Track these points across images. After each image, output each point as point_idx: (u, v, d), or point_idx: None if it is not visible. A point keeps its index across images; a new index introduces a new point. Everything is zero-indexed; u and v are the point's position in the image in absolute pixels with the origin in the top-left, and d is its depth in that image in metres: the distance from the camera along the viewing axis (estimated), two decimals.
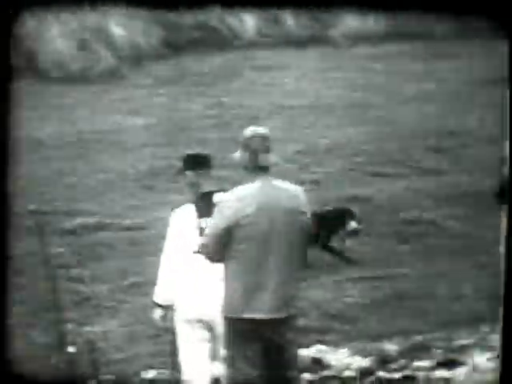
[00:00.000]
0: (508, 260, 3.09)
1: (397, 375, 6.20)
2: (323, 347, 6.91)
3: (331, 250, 9.25)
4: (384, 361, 6.59)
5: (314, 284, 8.53)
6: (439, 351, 6.67)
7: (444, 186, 11.26)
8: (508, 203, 3.28)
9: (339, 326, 7.70)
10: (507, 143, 3.81)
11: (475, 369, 6.04)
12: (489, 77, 15.94)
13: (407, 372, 6.20)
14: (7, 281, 5.05)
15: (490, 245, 9.01)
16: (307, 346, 6.78)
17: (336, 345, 7.03)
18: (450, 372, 6.06)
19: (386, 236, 10.06)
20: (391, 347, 6.89)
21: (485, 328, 7.12)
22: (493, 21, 3.30)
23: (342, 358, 6.65)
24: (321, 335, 7.35)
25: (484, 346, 6.61)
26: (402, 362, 6.52)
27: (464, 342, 6.82)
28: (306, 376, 6.27)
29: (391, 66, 17.31)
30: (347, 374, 6.33)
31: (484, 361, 6.20)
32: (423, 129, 13.57)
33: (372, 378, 6.22)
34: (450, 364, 6.24)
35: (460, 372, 6.02)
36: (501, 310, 3.43)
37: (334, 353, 6.78)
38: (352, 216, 9.27)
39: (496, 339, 6.63)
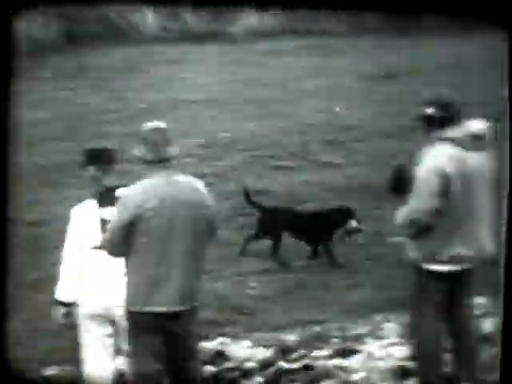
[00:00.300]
0: (508, 256, 3.23)
1: (296, 365, 6.33)
2: (225, 339, 6.99)
3: (328, 251, 9.12)
4: (284, 351, 6.70)
5: (216, 276, 8.63)
6: (336, 340, 6.82)
7: (341, 179, 11.49)
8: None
9: (241, 318, 7.81)
10: (507, 143, 3.96)
11: (369, 356, 6.23)
12: (381, 73, 16.36)
13: (306, 361, 6.34)
14: None
15: (383, 236, 9.30)
16: (210, 339, 6.86)
17: (238, 337, 7.12)
18: (346, 360, 6.22)
19: None
20: (291, 338, 7.02)
21: (378, 317, 7.34)
22: (492, 20, 3.43)
23: (244, 350, 6.74)
24: (223, 327, 7.44)
25: (377, 335, 6.81)
26: (302, 351, 6.64)
27: (359, 330, 7.02)
28: (209, 368, 6.33)
29: (289, 61, 17.56)
30: (248, 365, 6.42)
31: (377, 349, 6.40)
32: (320, 123, 13.84)
33: (273, 369, 6.33)
34: (346, 352, 6.40)
35: (355, 360, 6.20)
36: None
37: (235, 345, 6.87)
38: (352, 215, 9.08)
39: (388, 327, 6.88)
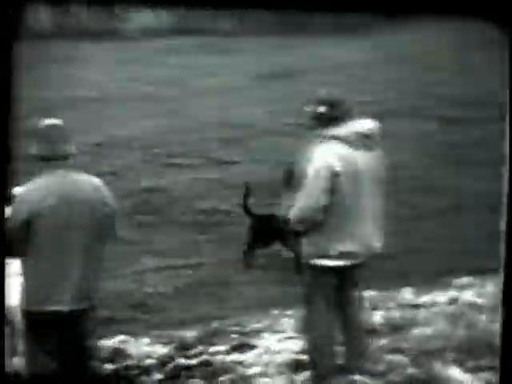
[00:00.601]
0: (507, 258, 3.29)
1: (194, 361, 6.38)
2: (125, 337, 6.99)
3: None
4: (183, 348, 6.73)
5: (115, 274, 8.61)
6: (235, 335, 6.89)
7: (238, 176, 11.60)
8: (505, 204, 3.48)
9: (140, 316, 7.83)
10: (507, 143, 4.03)
11: (266, 351, 6.32)
12: (277, 71, 16.55)
13: (204, 357, 6.39)
14: None
15: None
16: (109, 337, 6.85)
17: (137, 334, 7.13)
18: (243, 355, 6.30)
19: (184, 226, 10.27)
20: (190, 334, 7.07)
21: (274, 312, 7.45)
22: (493, 21, 3.47)
23: (143, 347, 6.75)
24: (122, 325, 7.44)
25: (274, 329, 6.92)
26: (200, 348, 6.68)
27: (256, 325, 7.11)
28: (108, 366, 6.32)
29: (185, 60, 17.58)
30: (148, 362, 6.43)
31: (274, 343, 6.50)
32: (217, 121, 13.93)
33: (171, 365, 6.36)
34: (243, 347, 6.48)
35: (252, 354, 6.28)
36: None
37: (135, 342, 6.87)
38: None
39: (285, 322, 6.99)
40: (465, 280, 7.68)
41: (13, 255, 4.81)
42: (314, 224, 5.00)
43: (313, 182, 4.96)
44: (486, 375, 4.69)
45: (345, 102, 5.08)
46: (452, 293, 7.30)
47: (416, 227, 9.85)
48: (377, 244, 5.15)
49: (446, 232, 9.61)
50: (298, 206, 5.04)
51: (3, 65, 3.74)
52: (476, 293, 7.05)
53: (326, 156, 4.96)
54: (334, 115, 5.05)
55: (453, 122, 13.65)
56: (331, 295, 5.12)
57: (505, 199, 3.51)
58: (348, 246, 5.02)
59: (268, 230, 8.97)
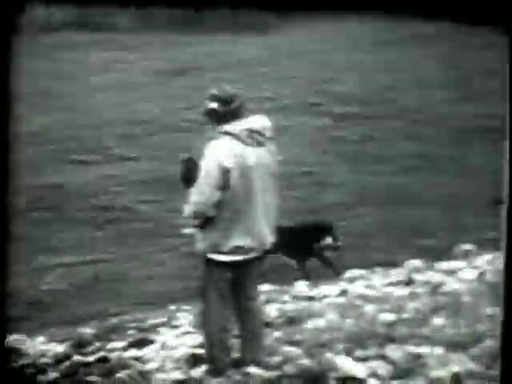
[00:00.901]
0: (507, 260, 3.30)
1: (92, 358, 6.33)
2: (20, 336, 6.91)
3: (322, 259, 8.86)
4: (80, 345, 6.68)
5: (11, 272, 8.49)
6: (133, 331, 6.89)
7: (136, 172, 11.58)
8: (507, 204, 3.48)
9: (36, 314, 7.75)
10: (507, 143, 4.02)
11: (163, 346, 6.34)
12: (173, 68, 16.57)
13: (102, 354, 6.35)
14: None
15: (178, 227, 9.48)
16: (3, 336, 6.75)
17: (33, 333, 7.06)
18: (141, 351, 6.30)
19: (80, 222, 10.20)
20: (87, 331, 7.02)
21: (172, 307, 7.48)
22: (492, 18, 3.48)
23: (39, 345, 6.69)
24: (17, 324, 7.35)
25: (171, 325, 6.94)
26: (97, 344, 6.65)
27: (154, 321, 7.12)
28: (3, 365, 6.22)
29: (80, 55, 17.41)
30: (43, 360, 6.37)
31: (171, 338, 6.52)
32: (114, 117, 13.86)
33: (68, 363, 6.31)
34: (141, 343, 6.48)
35: (150, 350, 6.29)
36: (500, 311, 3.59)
37: (30, 341, 6.80)
38: (329, 232, 8.82)
39: (182, 317, 7.02)
40: (355, 272, 7.85)
41: None
42: (207, 219, 5.04)
43: (204, 179, 4.99)
44: (372, 364, 4.83)
45: (237, 99, 5.12)
46: (342, 285, 7.45)
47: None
48: (269, 239, 5.22)
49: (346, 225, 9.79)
50: (191, 201, 5.07)
51: None
52: (365, 285, 7.21)
53: (217, 153, 4.99)
54: (225, 111, 5.08)
55: (345, 119, 13.90)
56: (226, 289, 5.17)
57: (505, 200, 3.62)
58: (241, 241, 5.07)
59: None
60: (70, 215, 10.34)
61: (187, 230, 5.66)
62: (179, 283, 8.16)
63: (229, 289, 5.25)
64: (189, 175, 5.28)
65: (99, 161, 12.17)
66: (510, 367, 3.25)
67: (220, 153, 5.08)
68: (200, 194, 5.13)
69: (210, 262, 5.20)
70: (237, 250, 5.18)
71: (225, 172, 5.07)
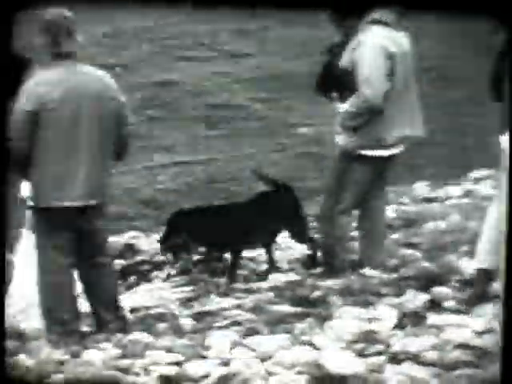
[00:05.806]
0: (508, 254, 3.18)
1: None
2: (135, 233, 6.98)
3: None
4: None
5: (126, 170, 8.55)
6: None
7: (250, 69, 11.42)
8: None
9: (150, 212, 7.80)
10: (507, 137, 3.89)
11: (278, 247, 6.27)
12: None
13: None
14: None
15: (289, 126, 9.34)
16: (120, 233, 6.84)
17: (148, 230, 7.12)
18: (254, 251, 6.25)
19: (195, 120, 10.17)
20: None
21: None
22: (492, 16, 3.37)
23: (154, 243, 6.74)
24: (133, 221, 7.43)
25: None
26: None
27: None
28: (119, 262, 6.32)
29: None
30: (159, 258, 6.42)
31: (287, 239, 6.41)
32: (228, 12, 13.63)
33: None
34: None
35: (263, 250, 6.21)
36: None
37: (145, 238, 6.86)
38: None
39: None
40: (480, 173, 7.60)
41: (17, 152, 4.66)
42: (376, 113, 4.85)
43: (369, 68, 4.74)
44: None
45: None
46: (467, 186, 7.24)
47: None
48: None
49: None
50: (358, 97, 4.82)
51: None
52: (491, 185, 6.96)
53: (379, 37, 4.70)
54: None
55: None
56: (368, 186, 5.06)
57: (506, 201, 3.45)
58: (406, 131, 4.94)
59: None
60: (185, 113, 10.30)
61: (340, 137, 5.22)
62: (294, 184, 8.05)
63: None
64: (328, 80, 5.07)
65: (213, 57, 12.04)
66: (510, 367, 3.12)
67: (383, 36, 4.84)
68: (369, 86, 4.89)
69: (362, 159, 5.04)
70: (401, 141, 5.02)
71: (391, 58, 4.85)
